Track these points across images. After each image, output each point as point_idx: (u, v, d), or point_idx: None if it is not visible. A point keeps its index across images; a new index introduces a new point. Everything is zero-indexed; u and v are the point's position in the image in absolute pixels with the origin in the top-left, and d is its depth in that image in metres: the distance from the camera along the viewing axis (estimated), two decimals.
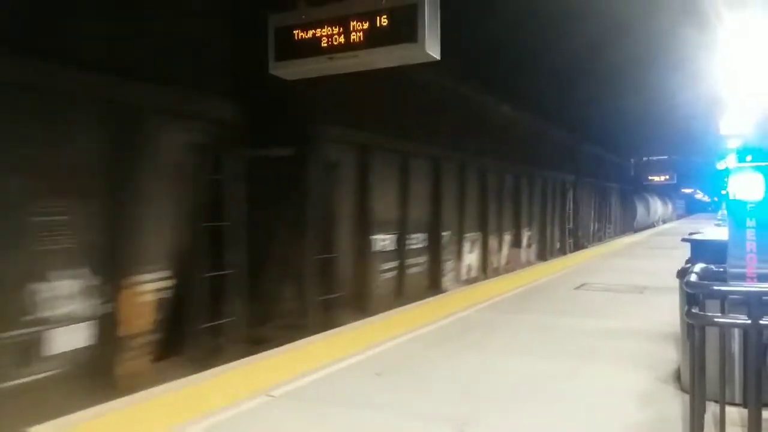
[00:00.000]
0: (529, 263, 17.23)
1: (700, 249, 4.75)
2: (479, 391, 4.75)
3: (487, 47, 10.35)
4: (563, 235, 21.82)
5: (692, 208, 65.97)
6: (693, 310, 3.33)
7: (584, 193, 24.43)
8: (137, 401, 4.54)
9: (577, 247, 22.48)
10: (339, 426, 4.06)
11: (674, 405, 4.30)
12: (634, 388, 4.73)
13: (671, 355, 5.54)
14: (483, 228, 14.76)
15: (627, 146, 27.64)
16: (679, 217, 54.04)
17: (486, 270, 14.67)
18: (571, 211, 22.60)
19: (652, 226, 37.70)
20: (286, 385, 4.88)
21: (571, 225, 22.51)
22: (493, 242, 15.26)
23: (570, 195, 22.54)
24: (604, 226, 28.49)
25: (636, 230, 32.59)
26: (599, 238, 26.67)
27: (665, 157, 31.11)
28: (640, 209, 35.30)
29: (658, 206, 42.25)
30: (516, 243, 16.95)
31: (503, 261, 15.93)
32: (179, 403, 4.47)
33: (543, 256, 19.10)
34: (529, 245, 18.00)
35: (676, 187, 45.59)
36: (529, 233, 18.13)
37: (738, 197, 3.63)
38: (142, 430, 4.00)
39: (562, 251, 21.20)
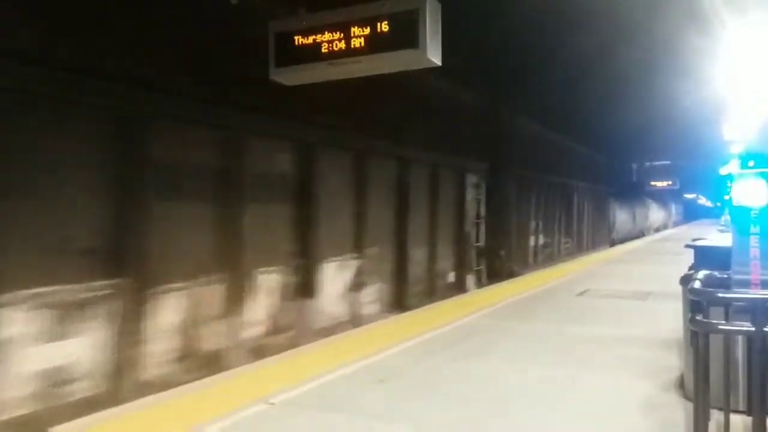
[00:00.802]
0: (354, 322, 8.88)
1: (704, 255, 4.71)
2: (485, 398, 4.71)
3: (489, 51, 10.33)
4: (464, 260, 13.10)
5: (692, 213, 61.71)
6: (697, 318, 3.31)
7: (516, 193, 16.04)
8: (130, 411, 4.51)
9: (499, 275, 14.04)
10: None
11: (678, 413, 4.25)
12: (637, 396, 4.69)
13: (674, 363, 5.49)
14: (135, 269, 5.89)
15: (629, 151, 27.52)
16: (676, 224, 48.12)
17: (136, 373, 5.86)
18: (482, 220, 14.01)
19: (641, 235, 32.06)
20: (286, 392, 4.85)
21: (482, 242, 13.95)
22: (197, 297, 6.60)
23: (481, 194, 13.97)
24: (558, 240, 20.12)
25: (615, 243, 26.68)
26: (548, 257, 18.56)
27: (668, 162, 31.03)
28: (622, 216, 29.06)
29: (650, 212, 36.37)
30: (305, 288, 8.23)
31: (256, 332, 7.38)
32: (176, 413, 4.43)
33: (399, 303, 10.35)
34: (355, 287, 9.34)
35: (678, 192, 43.74)
36: (357, 263, 9.44)
37: (742, 203, 3.60)
38: None
39: (459, 287, 12.60)
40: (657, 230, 37.55)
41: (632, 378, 5.17)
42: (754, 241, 3.57)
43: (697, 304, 3.40)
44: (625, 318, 8.05)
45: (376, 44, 5.15)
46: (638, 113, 15.94)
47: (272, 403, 4.57)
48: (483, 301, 9.38)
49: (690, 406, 3.64)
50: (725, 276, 3.84)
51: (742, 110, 12.75)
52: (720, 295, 3.48)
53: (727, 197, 30.01)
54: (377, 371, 5.42)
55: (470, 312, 8.36)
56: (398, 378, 5.23)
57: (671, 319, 7.00)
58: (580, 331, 7.16)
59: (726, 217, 21.56)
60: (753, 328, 3.15)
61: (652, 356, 5.88)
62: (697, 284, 3.58)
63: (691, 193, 55.03)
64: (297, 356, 6.13)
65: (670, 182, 31.90)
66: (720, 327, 3.33)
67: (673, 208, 48.83)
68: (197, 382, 5.25)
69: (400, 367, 5.58)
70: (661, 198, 40.63)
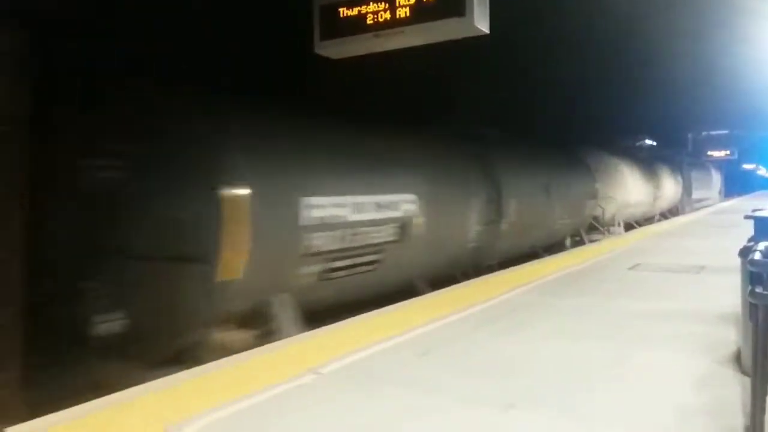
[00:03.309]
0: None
1: (765, 226, 4.54)
2: (526, 373, 4.68)
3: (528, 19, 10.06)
4: None
5: (741, 185, 49.92)
6: (757, 290, 3.19)
7: None
8: (187, 377, 4.64)
9: None
10: (386, 404, 4.06)
11: (734, 388, 4.14)
12: (691, 371, 4.58)
13: (730, 337, 5.34)
14: None
15: (685, 120, 26.51)
16: (703, 203, 31.94)
17: None
18: None
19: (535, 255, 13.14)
20: (333, 362, 4.91)
21: None
22: None
23: None
24: None
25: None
26: None
27: (725, 131, 29.91)
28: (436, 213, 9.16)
29: (623, 190, 18.53)
30: None
31: None
32: (225, 381, 4.54)
33: None
34: None
35: (736, 162, 39.18)
36: None
37: None
38: (187, 407, 4.08)
39: None
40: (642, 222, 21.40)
41: (686, 353, 5.05)
42: None
43: (757, 276, 3.29)
44: (678, 292, 7.84)
45: (421, 13, 5.07)
46: (694, 81, 15.38)
47: (320, 373, 4.65)
48: (534, 273, 9.33)
49: (747, 381, 3.55)
50: None
51: None
52: None
53: None
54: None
55: (518, 285, 8.30)
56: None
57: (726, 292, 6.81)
58: (632, 305, 7.02)
59: None
60: None
61: (707, 330, 5.72)
62: (757, 255, 3.45)
63: (750, 163, 52.60)
64: (342, 329, 6.20)
65: (728, 152, 30.82)
66: None
67: (699, 176, 32.25)
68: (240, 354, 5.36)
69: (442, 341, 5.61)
70: (660, 158, 25.92)
